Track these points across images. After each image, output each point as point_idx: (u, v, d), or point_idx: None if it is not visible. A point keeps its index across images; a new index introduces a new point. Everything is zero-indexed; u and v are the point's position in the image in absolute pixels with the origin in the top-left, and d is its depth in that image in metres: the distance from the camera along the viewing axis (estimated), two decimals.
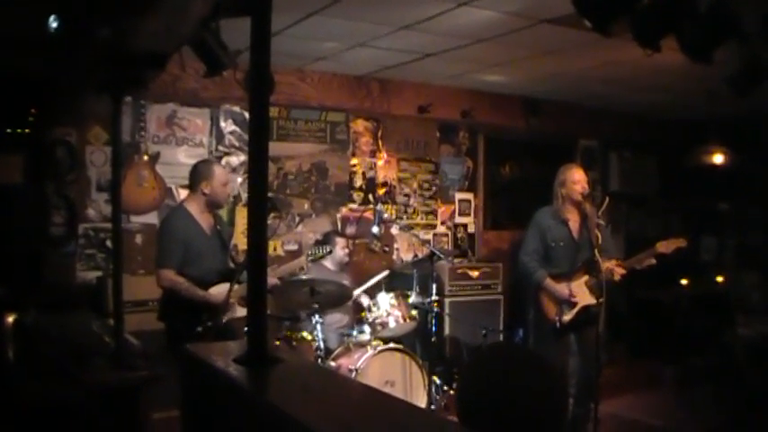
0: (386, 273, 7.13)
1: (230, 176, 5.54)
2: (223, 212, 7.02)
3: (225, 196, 5.73)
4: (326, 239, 6.99)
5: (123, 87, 4.45)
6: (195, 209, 5.50)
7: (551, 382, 1.90)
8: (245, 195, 7.16)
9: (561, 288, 6.17)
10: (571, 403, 6.20)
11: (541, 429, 1.84)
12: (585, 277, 6.14)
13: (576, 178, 6.24)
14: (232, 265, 5.68)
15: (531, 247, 6.39)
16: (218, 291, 5.33)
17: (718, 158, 9.07)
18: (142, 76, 4.38)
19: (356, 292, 6.78)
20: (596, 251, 5.84)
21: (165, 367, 3.82)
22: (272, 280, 5.71)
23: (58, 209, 6.48)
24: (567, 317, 6.16)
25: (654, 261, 6.10)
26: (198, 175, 5.53)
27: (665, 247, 6.04)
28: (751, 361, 7.23)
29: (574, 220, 6.27)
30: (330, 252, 6.65)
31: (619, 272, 6.06)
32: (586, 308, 6.13)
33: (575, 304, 6.12)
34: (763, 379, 6.83)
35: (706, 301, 8.71)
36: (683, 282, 9.20)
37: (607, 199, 6.28)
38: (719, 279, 9.34)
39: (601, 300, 5.93)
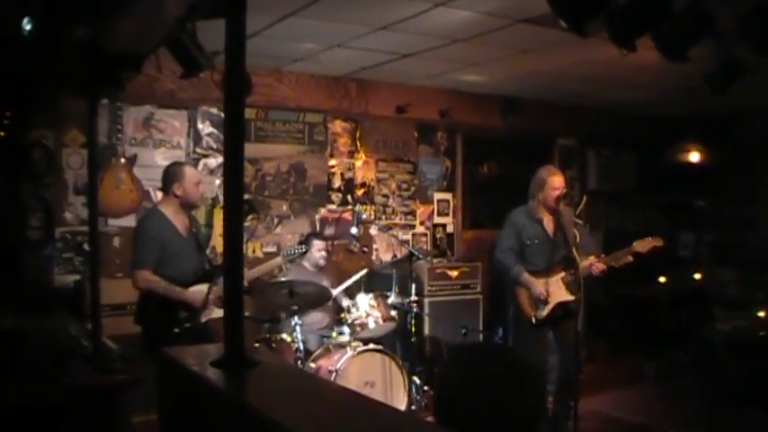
0: (364, 272, 7.12)
1: (202, 176, 5.52)
2: (201, 214, 7.01)
3: (197, 196, 5.70)
4: (305, 241, 6.98)
5: (99, 89, 4.43)
6: (170, 210, 5.50)
7: (528, 380, 1.90)
8: (222, 197, 7.14)
9: (537, 284, 6.20)
10: (551, 401, 6.24)
11: (518, 428, 1.85)
12: (563, 273, 6.18)
13: (555, 185, 6.25)
14: (208, 266, 5.65)
15: (505, 244, 6.41)
16: (195, 291, 5.33)
17: (694, 156, 9.13)
18: (118, 77, 4.36)
19: (335, 291, 6.77)
20: (573, 249, 5.87)
21: (143, 370, 3.80)
22: (247, 280, 5.70)
23: (34, 212, 6.42)
24: (543, 312, 6.20)
25: (631, 259, 6.16)
26: (169, 177, 5.55)
27: (642, 246, 6.10)
28: (730, 355, 7.28)
29: (548, 219, 6.32)
30: (306, 252, 6.64)
31: (599, 267, 6.10)
32: (563, 304, 6.18)
33: (547, 303, 6.17)
34: (742, 373, 6.88)
35: (684, 297, 8.77)
36: (662, 278, 9.26)
37: (585, 198, 6.32)
38: (697, 275, 9.41)
39: (578, 296, 5.98)
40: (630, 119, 9.85)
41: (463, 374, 1.94)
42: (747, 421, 6.14)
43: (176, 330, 5.15)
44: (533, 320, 6.21)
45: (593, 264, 6.09)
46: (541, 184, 6.31)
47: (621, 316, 8.67)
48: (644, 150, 10.14)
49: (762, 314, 7.56)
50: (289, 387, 2.01)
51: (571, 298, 6.11)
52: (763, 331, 7.36)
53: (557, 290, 6.18)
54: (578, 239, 6.00)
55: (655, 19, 3.89)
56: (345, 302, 6.71)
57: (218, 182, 7.23)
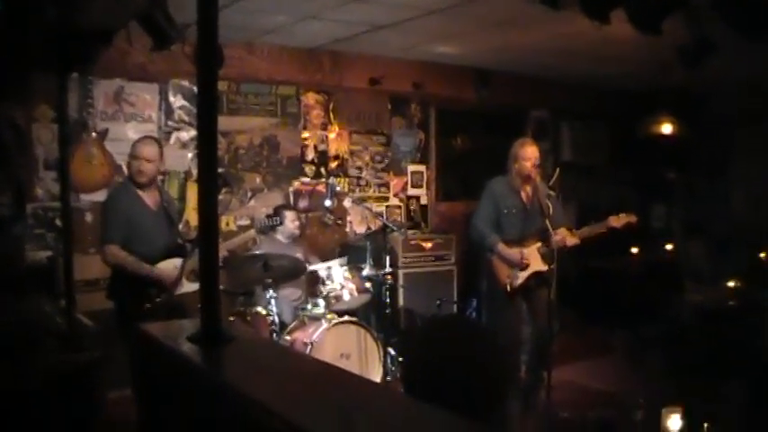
0: (344, 260, 7.09)
1: (145, 150, 5.38)
2: (174, 188, 6.98)
3: (133, 171, 5.46)
4: (277, 213, 6.95)
5: (69, 64, 4.38)
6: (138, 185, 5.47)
7: (494, 352, 1.92)
8: (195, 171, 7.10)
9: (513, 252, 6.26)
10: (524, 370, 6.31)
11: (484, 399, 1.87)
12: (538, 244, 6.25)
13: (527, 155, 6.31)
14: (180, 241, 5.62)
15: (483, 213, 6.47)
16: (166, 266, 5.32)
17: (667, 128, 9.19)
18: (89, 52, 4.31)
19: (313, 267, 6.73)
20: (547, 221, 5.93)
21: (117, 346, 3.79)
22: (221, 253, 5.68)
23: (3, 189, 6.35)
24: (518, 281, 6.27)
25: (604, 230, 6.23)
26: (130, 152, 5.51)
27: (616, 221, 6.19)
28: (699, 326, 7.38)
29: (525, 190, 6.37)
30: (280, 224, 6.62)
31: (571, 240, 6.16)
32: (538, 274, 6.24)
33: (526, 267, 6.23)
34: (711, 343, 6.98)
35: (656, 269, 8.85)
36: (634, 250, 9.34)
37: (558, 170, 6.37)
38: (669, 247, 9.50)
39: (552, 267, 6.05)
40: (604, 92, 9.87)
41: (430, 347, 1.96)
42: (716, 391, 6.22)
43: (148, 306, 5.14)
44: (507, 288, 6.28)
45: (565, 237, 6.15)
46: (515, 155, 6.37)
47: (593, 287, 8.75)
48: (617, 123, 10.19)
49: (731, 284, 7.66)
50: (265, 361, 2.02)
51: (545, 268, 6.18)
52: (733, 301, 7.46)
53: (532, 259, 6.25)
54: (551, 211, 6.05)
55: None
56: (324, 272, 6.66)
57: (190, 155, 7.19)
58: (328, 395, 1.66)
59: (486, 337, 1.97)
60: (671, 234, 9.81)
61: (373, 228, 7.95)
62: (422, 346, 2.00)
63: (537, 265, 6.25)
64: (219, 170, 6.58)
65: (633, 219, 6.23)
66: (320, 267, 6.63)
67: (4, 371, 3.32)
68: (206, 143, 2.17)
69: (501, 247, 6.31)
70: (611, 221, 6.20)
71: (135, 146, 5.52)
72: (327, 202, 6.75)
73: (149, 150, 5.43)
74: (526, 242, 6.31)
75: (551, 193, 6.24)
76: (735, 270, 7.83)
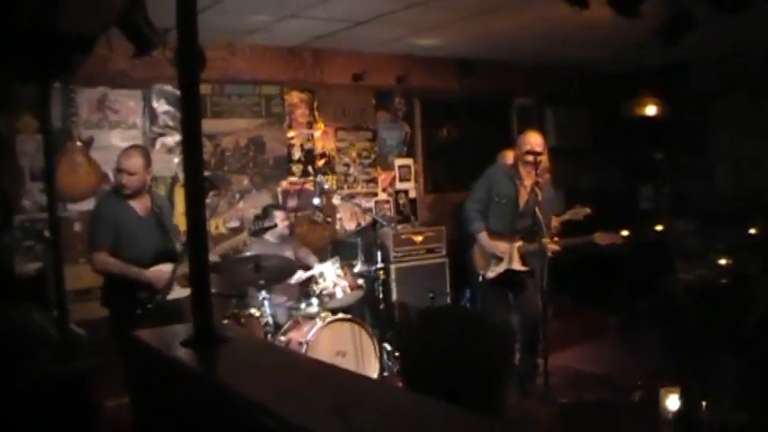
0: (335, 259, 7.05)
1: (140, 165, 5.37)
2: (162, 194, 6.96)
3: (127, 186, 5.45)
4: (265, 213, 6.93)
5: (50, 72, 4.36)
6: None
7: (493, 341, 1.92)
8: (182, 175, 7.09)
9: (494, 244, 6.31)
10: (518, 358, 6.34)
11: (484, 389, 1.87)
12: (520, 243, 6.29)
13: (526, 140, 6.38)
14: (175, 246, 5.61)
15: (476, 196, 6.57)
16: (155, 270, 5.32)
17: (650, 109, 9.20)
18: (69, 60, 4.29)
19: (305, 274, 6.70)
20: (543, 225, 5.94)
21: (112, 354, 3.78)
22: (213, 257, 5.67)
23: None
24: (491, 274, 6.34)
25: (589, 211, 6.29)
26: (116, 162, 5.53)
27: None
28: (691, 305, 7.40)
29: (523, 184, 6.38)
30: (274, 226, 6.61)
31: (553, 248, 6.19)
32: (513, 272, 6.29)
33: (501, 260, 6.27)
34: (703, 322, 7.00)
35: (647, 249, 8.87)
36: (624, 232, 9.35)
37: (546, 156, 6.39)
38: (659, 227, 9.52)
39: (529, 268, 6.19)
40: (585, 76, 9.89)
41: (427, 338, 1.96)
42: (710, 368, 6.25)
43: (138, 311, 5.13)
44: (480, 279, 6.37)
45: (546, 243, 6.15)
46: (518, 142, 6.48)
47: (585, 270, 8.77)
48: (600, 107, 10.20)
49: (722, 262, 7.68)
50: (260, 362, 2.02)
51: (521, 268, 6.26)
52: (725, 278, 7.48)
53: (511, 257, 6.32)
54: (540, 198, 6.07)
55: None
56: (318, 270, 6.63)
57: (176, 160, 7.18)
58: (324, 392, 1.66)
59: (486, 324, 1.96)
60: (659, 214, 9.83)
61: (363, 224, 7.95)
62: (419, 337, 2.00)
63: (514, 263, 6.32)
64: (206, 173, 6.57)
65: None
66: (311, 272, 6.63)
67: None
68: (191, 147, 2.16)
69: (483, 236, 6.39)
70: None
71: (119, 158, 5.51)
72: (316, 201, 6.75)
73: (132, 163, 5.41)
74: (511, 238, 6.36)
75: (540, 180, 6.23)
76: (724, 247, 7.85)
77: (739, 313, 6.71)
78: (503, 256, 6.31)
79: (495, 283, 6.42)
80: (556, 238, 6.30)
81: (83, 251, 6.36)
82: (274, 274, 6.21)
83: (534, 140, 6.33)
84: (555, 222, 6.33)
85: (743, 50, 8.14)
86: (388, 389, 2.75)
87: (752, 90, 8.86)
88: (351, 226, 8.37)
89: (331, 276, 6.47)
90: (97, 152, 6.50)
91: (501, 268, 6.35)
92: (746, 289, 7.07)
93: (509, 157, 6.93)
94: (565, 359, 7.16)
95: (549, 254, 6.12)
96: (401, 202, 9.00)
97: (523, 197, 6.39)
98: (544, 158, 6.31)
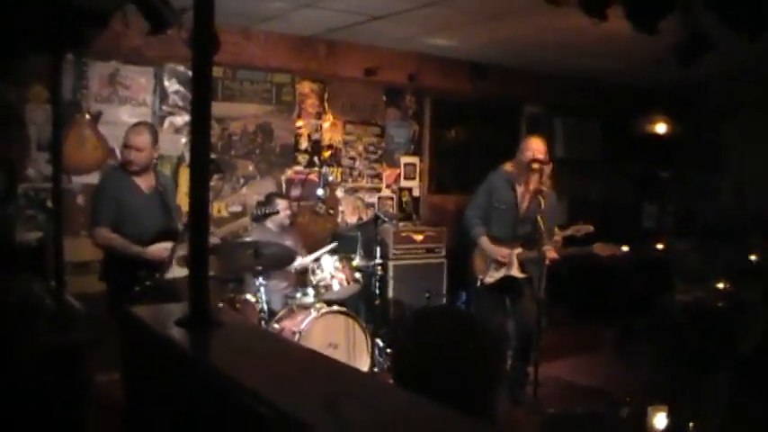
0: (333, 245, 7.07)
1: (148, 142, 5.38)
2: (166, 172, 6.95)
3: (134, 162, 5.47)
4: (268, 200, 6.93)
5: (64, 45, 4.36)
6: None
7: (486, 344, 1.92)
8: (188, 156, 7.08)
9: (495, 249, 6.31)
10: (509, 365, 6.33)
11: (474, 391, 1.87)
12: (519, 249, 6.28)
13: (529, 146, 6.35)
14: (177, 225, 5.61)
15: (477, 202, 6.58)
16: (156, 248, 5.32)
17: (660, 127, 9.20)
18: (84, 33, 4.29)
19: (305, 260, 6.71)
20: (543, 234, 5.93)
21: (108, 329, 3.79)
22: (213, 239, 5.67)
23: None
24: (489, 279, 6.34)
25: (591, 229, 6.26)
26: (123, 138, 5.53)
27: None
28: (687, 325, 7.40)
29: (522, 190, 6.37)
30: (277, 212, 6.60)
31: (551, 256, 6.16)
32: (511, 278, 6.29)
33: (501, 266, 6.26)
34: (698, 343, 7.00)
35: (646, 267, 8.87)
36: (625, 248, 9.34)
37: (551, 164, 6.37)
38: (660, 246, 9.51)
39: (528, 275, 6.17)
40: (597, 87, 9.86)
41: (421, 337, 1.96)
42: (702, 388, 6.26)
43: (137, 288, 5.13)
44: (478, 283, 6.39)
45: (546, 251, 6.14)
46: (521, 147, 6.43)
47: (583, 282, 8.77)
48: (610, 120, 10.19)
49: (720, 286, 7.68)
50: (253, 347, 2.02)
51: (520, 275, 6.25)
52: (722, 302, 7.48)
53: (510, 263, 6.31)
54: (543, 206, 6.05)
55: None
56: (311, 264, 6.66)
57: (183, 140, 7.18)
58: (315, 381, 1.66)
59: (480, 328, 1.96)
60: (661, 233, 9.82)
61: (365, 218, 7.96)
62: (413, 336, 2.00)
63: (513, 269, 6.30)
64: (212, 156, 6.57)
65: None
66: (309, 259, 6.63)
67: None
68: (199, 129, 2.16)
69: (484, 240, 6.39)
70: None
71: (127, 133, 5.51)
72: (320, 192, 6.75)
73: (140, 140, 5.42)
74: (511, 244, 6.35)
75: (544, 188, 6.21)
76: (724, 271, 7.84)
77: (734, 337, 6.71)
78: (504, 261, 6.30)
79: (494, 288, 6.42)
80: (556, 245, 6.28)
81: (84, 224, 6.37)
82: (273, 261, 6.20)
83: (537, 147, 6.31)
84: (557, 236, 6.31)
85: (753, 68, 8.12)
86: (379, 384, 2.75)
87: (763, 108, 8.82)
88: (352, 219, 8.38)
89: (328, 268, 6.47)
90: (105, 127, 6.51)
91: (500, 274, 6.35)
92: (742, 315, 7.08)
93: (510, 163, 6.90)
94: (557, 369, 7.16)
95: (548, 261, 6.09)
96: (404, 199, 9.00)
97: (524, 203, 6.38)
98: (546, 166, 6.30)
